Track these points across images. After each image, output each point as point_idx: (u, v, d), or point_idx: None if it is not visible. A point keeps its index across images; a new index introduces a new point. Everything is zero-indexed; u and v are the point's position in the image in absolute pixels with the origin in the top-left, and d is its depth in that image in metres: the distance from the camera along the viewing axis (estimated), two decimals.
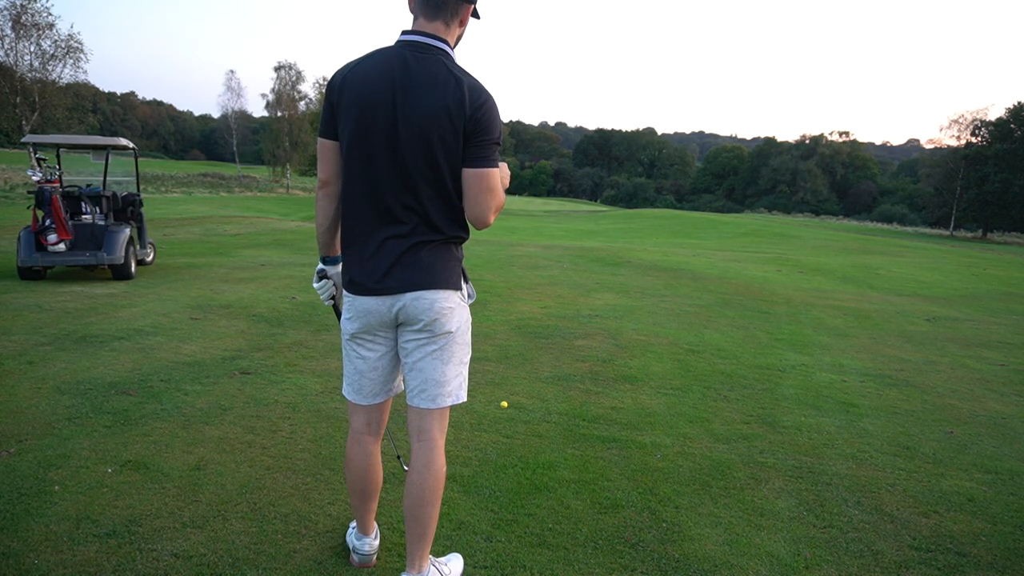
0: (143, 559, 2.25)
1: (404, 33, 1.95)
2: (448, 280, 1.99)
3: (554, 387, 4.45)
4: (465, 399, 2.11)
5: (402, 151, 1.89)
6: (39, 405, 3.63)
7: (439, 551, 2.35)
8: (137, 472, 2.87)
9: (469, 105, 1.86)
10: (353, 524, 2.36)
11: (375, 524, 2.35)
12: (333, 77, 1.97)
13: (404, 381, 2.12)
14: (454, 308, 2.00)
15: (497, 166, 1.95)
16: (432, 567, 2.12)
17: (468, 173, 1.92)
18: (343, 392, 2.20)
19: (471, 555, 2.36)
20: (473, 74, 1.94)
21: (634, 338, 6.10)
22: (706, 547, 2.52)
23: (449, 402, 2.06)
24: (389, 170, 1.92)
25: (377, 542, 2.33)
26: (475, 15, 2.02)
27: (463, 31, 2.01)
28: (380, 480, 2.24)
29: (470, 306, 2.12)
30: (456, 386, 2.07)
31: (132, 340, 5.11)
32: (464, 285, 2.07)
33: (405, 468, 2.37)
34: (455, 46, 1.99)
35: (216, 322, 5.91)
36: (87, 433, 3.27)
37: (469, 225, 2.03)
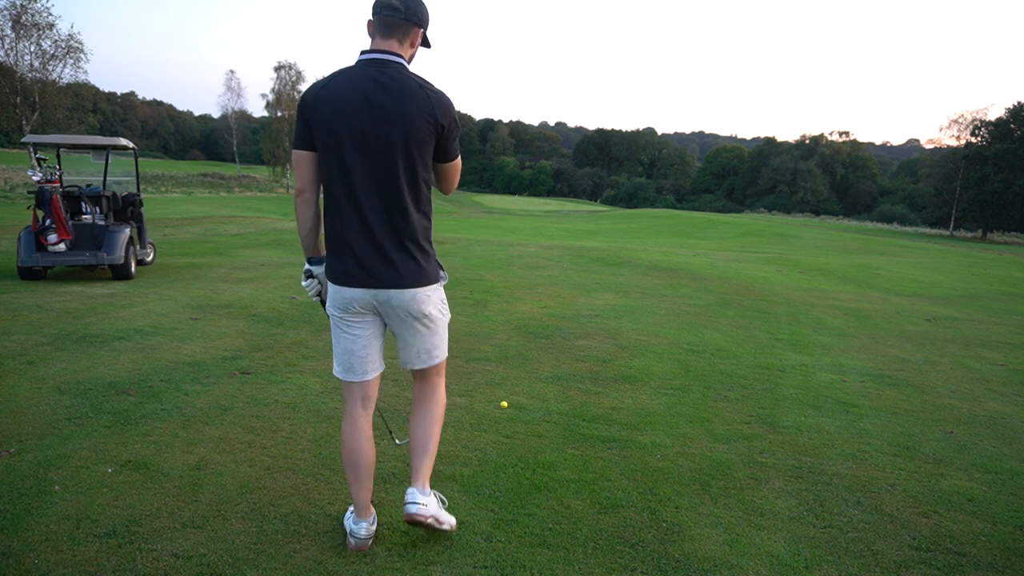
0: (143, 559, 2.25)
1: (363, 53, 2.20)
2: (425, 275, 2.27)
3: (554, 387, 4.45)
4: (447, 354, 2.50)
5: (379, 155, 2.14)
6: (39, 405, 3.63)
7: (439, 551, 2.36)
8: (137, 472, 2.87)
9: (439, 111, 2.17)
10: (351, 508, 2.41)
11: (372, 509, 2.40)
12: (306, 94, 2.20)
13: (399, 351, 2.40)
14: (431, 296, 2.30)
15: (459, 155, 2.33)
16: (433, 492, 2.41)
17: (444, 167, 2.31)
18: (335, 373, 2.40)
19: (471, 555, 2.36)
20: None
21: (634, 338, 6.10)
22: (706, 547, 2.52)
23: (439, 359, 2.43)
24: (366, 173, 2.16)
25: (374, 527, 2.38)
26: (425, 44, 2.30)
27: (415, 52, 2.27)
28: (373, 456, 2.39)
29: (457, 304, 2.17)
30: (444, 345, 2.44)
31: (132, 340, 5.11)
32: (440, 274, 2.37)
33: (397, 442, 2.91)
34: (410, 62, 2.24)
35: (216, 322, 5.91)
36: (87, 433, 3.27)
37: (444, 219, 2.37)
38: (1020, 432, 4.08)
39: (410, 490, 2.34)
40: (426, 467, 2.38)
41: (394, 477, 2.92)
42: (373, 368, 2.36)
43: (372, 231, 2.18)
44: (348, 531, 2.38)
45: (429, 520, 2.32)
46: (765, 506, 2.88)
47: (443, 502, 2.50)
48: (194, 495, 2.70)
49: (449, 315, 2.45)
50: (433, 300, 2.32)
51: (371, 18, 2.20)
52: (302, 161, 2.22)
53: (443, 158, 2.27)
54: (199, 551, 2.30)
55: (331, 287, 2.29)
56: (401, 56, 2.19)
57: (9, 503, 2.56)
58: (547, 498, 2.83)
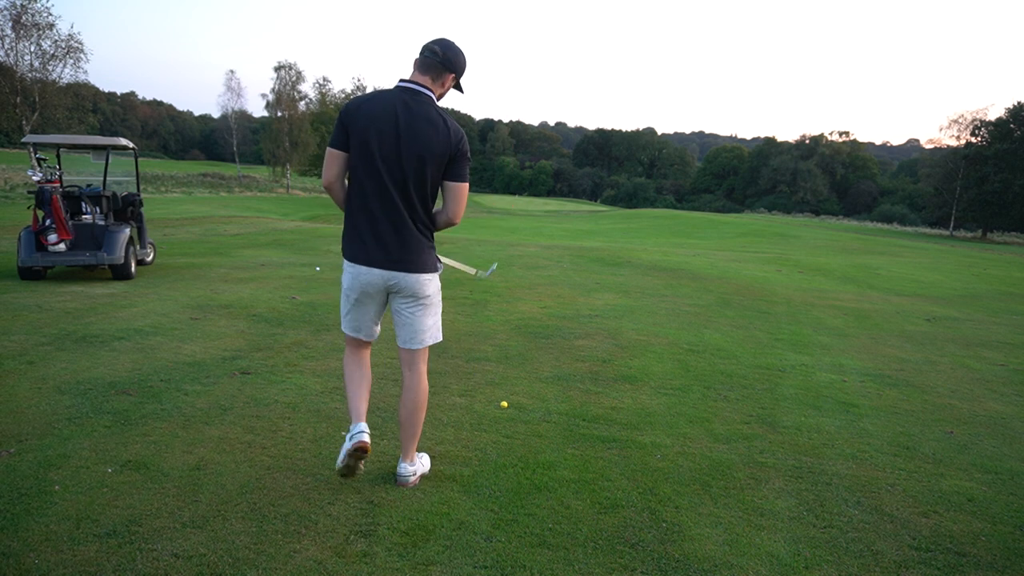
0: (143, 559, 2.25)
1: (401, 81, 2.68)
2: (427, 264, 2.74)
3: (554, 387, 4.45)
4: (440, 339, 2.94)
5: (401, 167, 2.60)
6: (39, 405, 3.63)
7: (439, 551, 2.38)
8: (137, 472, 2.87)
9: (453, 139, 2.65)
10: (344, 449, 2.70)
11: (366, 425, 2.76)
12: (349, 104, 2.65)
13: (397, 331, 2.84)
14: (431, 280, 2.78)
15: (468, 180, 2.76)
16: (418, 458, 2.97)
17: (452, 185, 2.72)
18: (342, 327, 2.90)
19: (471, 555, 2.37)
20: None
21: (634, 338, 6.10)
22: (706, 547, 2.52)
23: (429, 342, 2.87)
24: (388, 180, 2.61)
25: (368, 432, 2.72)
26: (458, 88, 2.78)
27: (445, 92, 2.75)
28: (370, 375, 2.91)
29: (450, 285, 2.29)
30: (435, 331, 2.87)
31: (132, 340, 5.11)
32: (438, 265, 2.82)
33: (481, 274, 3.64)
34: (439, 99, 2.72)
35: (216, 322, 5.91)
36: (87, 433, 3.27)
37: (447, 221, 2.81)
38: (1020, 432, 4.08)
39: (400, 464, 2.89)
40: (412, 445, 2.90)
41: (393, 477, 2.92)
42: (375, 332, 2.90)
43: (391, 224, 2.63)
44: (345, 443, 2.69)
45: (413, 481, 2.89)
46: (765, 506, 2.88)
47: (423, 465, 3.00)
48: (194, 495, 2.70)
49: (441, 305, 2.91)
50: (433, 284, 2.80)
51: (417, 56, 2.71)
52: (333, 158, 2.67)
53: (452, 177, 2.70)
54: (199, 551, 2.30)
55: (349, 269, 2.73)
56: (431, 91, 2.67)
57: (9, 503, 2.56)
58: (547, 498, 2.83)
